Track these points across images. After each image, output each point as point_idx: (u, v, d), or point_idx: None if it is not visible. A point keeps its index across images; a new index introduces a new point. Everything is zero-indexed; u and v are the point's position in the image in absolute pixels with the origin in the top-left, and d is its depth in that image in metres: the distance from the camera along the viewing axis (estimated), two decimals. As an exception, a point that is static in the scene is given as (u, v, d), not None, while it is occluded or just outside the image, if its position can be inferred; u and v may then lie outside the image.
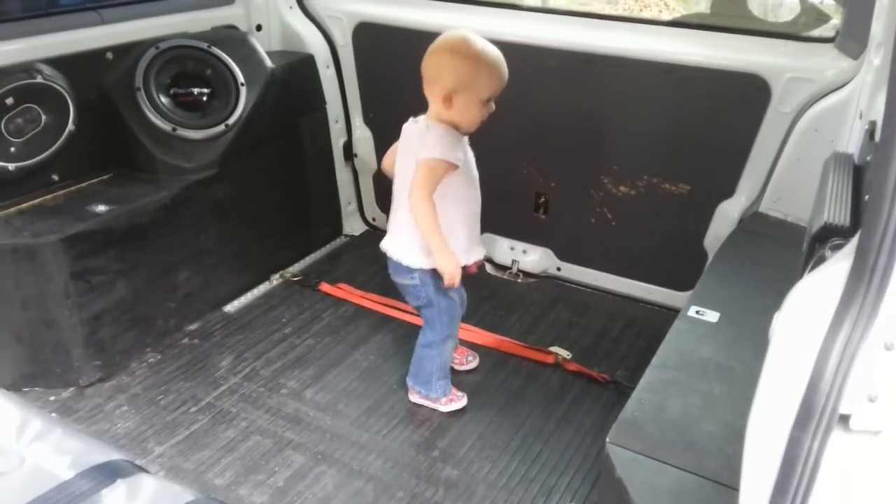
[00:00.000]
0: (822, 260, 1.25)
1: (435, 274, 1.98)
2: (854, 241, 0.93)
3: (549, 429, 2.14)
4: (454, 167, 1.90)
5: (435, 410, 2.19)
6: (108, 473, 1.16)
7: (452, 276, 1.92)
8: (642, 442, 1.37)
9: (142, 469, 1.21)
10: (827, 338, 0.85)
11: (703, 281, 1.95)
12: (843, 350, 0.84)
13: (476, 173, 2.04)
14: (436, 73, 1.88)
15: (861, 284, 0.83)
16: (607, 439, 1.37)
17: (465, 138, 2.00)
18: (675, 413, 1.44)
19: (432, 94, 1.90)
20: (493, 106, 1.93)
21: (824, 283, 0.91)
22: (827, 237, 1.37)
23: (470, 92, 1.86)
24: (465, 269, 2.02)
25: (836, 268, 0.91)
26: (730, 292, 1.87)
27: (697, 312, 1.76)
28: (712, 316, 1.75)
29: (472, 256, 2.05)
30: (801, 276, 1.35)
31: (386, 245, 2.04)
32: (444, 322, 2.11)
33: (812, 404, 0.82)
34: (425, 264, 1.98)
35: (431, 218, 1.89)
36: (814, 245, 1.41)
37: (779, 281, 1.66)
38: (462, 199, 1.99)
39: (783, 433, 0.86)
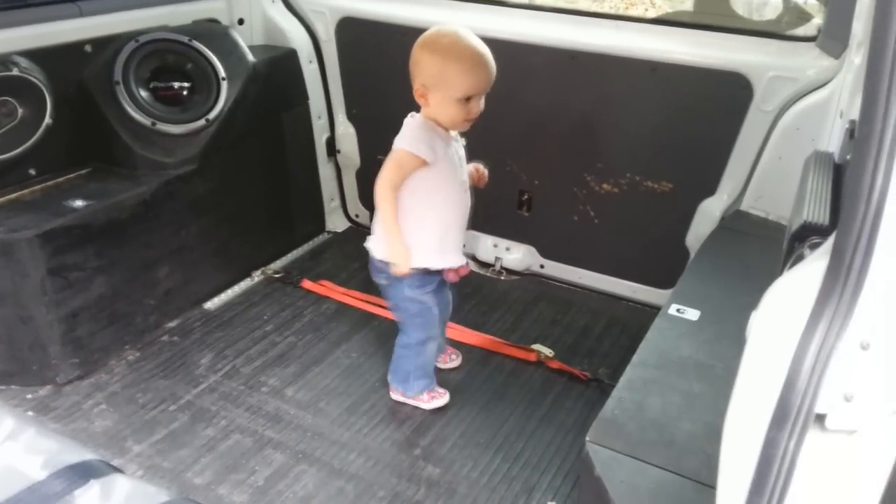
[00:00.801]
0: (800, 258, 1.25)
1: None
2: (830, 239, 0.93)
3: (531, 427, 2.14)
4: (422, 162, 1.85)
5: (417, 408, 2.18)
6: (81, 474, 1.14)
7: (397, 268, 1.90)
8: (622, 441, 1.37)
9: (116, 469, 1.20)
10: (803, 337, 0.85)
11: (684, 279, 1.95)
12: (818, 349, 0.84)
13: (462, 177, 1.97)
14: (411, 67, 1.85)
15: (837, 283, 0.83)
16: (587, 438, 1.37)
17: (455, 137, 1.95)
18: (655, 412, 1.44)
19: (414, 91, 1.88)
20: (479, 104, 1.86)
21: (801, 281, 0.91)
22: (806, 236, 1.37)
23: (441, 90, 1.81)
24: (442, 272, 2.01)
25: (813, 266, 0.91)
26: (710, 290, 1.87)
27: (678, 311, 1.76)
28: (693, 314, 1.75)
29: (445, 262, 1.98)
30: (779, 274, 1.35)
31: (369, 244, 2.03)
32: (416, 325, 2.08)
33: (788, 404, 0.82)
34: (386, 256, 1.95)
35: (389, 208, 1.87)
36: (793, 244, 1.41)
37: (759, 279, 1.66)
38: (436, 198, 1.93)
39: (759, 433, 0.86)
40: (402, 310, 2.07)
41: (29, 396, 2.17)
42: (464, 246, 2.09)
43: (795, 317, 0.87)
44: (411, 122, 1.90)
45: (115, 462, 1.93)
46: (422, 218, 1.92)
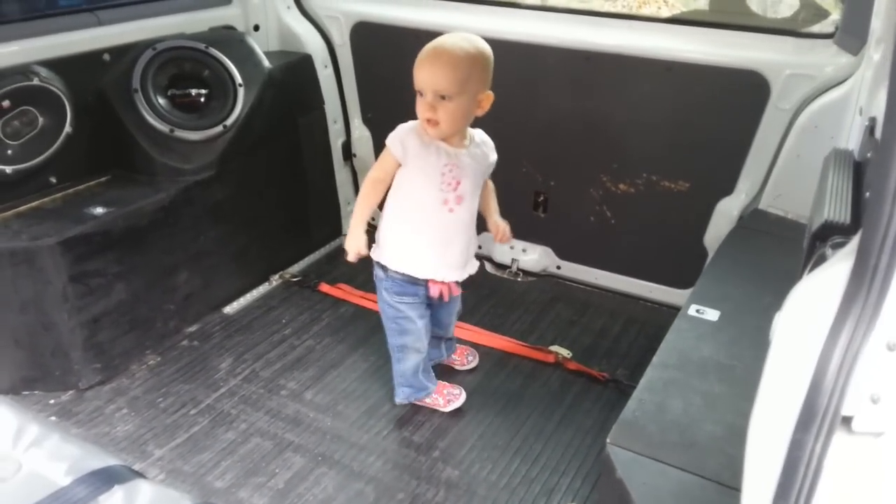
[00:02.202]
0: (822, 258, 1.24)
1: (383, 272, 1.99)
2: (855, 239, 0.92)
3: (550, 429, 2.14)
4: (396, 159, 1.88)
5: (435, 411, 2.19)
6: (105, 479, 1.16)
7: (349, 252, 1.93)
8: (643, 442, 1.36)
9: (139, 475, 1.21)
10: (829, 339, 0.84)
11: (703, 279, 1.94)
12: (844, 351, 0.83)
13: (445, 193, 1.89)
14: None
15: (863, 285, 0.82)
16: (608, 440, 1.37)
17: (462, 147, 1.91)
18: (676, 413, 1.44)
19: None
20: (426, 104, 1.81)
21: (825, 283, 0.91)
22: (827, 235, 1.36)
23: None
24: (426, 285, 1.99)
25: (837, 268, 0.91)
26: (729, 291, 1.86)
27: (697, 311, 1.75)
28: (712, 314, 1.74)
29: (415, 269, 1.96)
30: (801, 274, 1.34)
31: None
32: (391, 329, 2.08)
33: (814, 406, 0.82)
34: (373, 254, 1.98)
35: (361, 196, 1.94)
36: (814, 243, 1.40)
37: (779, 279, 1.65)
38: (406, 200, 1.93)
39: (785, 435, 0.86)
40: (381, 310, 2.09)
41: (52, 402, 2.20)
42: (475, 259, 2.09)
43: (821, 318, 0.86)
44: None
45: (137, 466, 1.96)
46: (393, 216, 1.96)
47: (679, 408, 1.45)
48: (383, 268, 2.00)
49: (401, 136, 1.88)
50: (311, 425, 2.12)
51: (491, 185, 2.10)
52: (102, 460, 1.20)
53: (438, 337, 2.27)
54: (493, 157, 2.01)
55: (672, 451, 1.34)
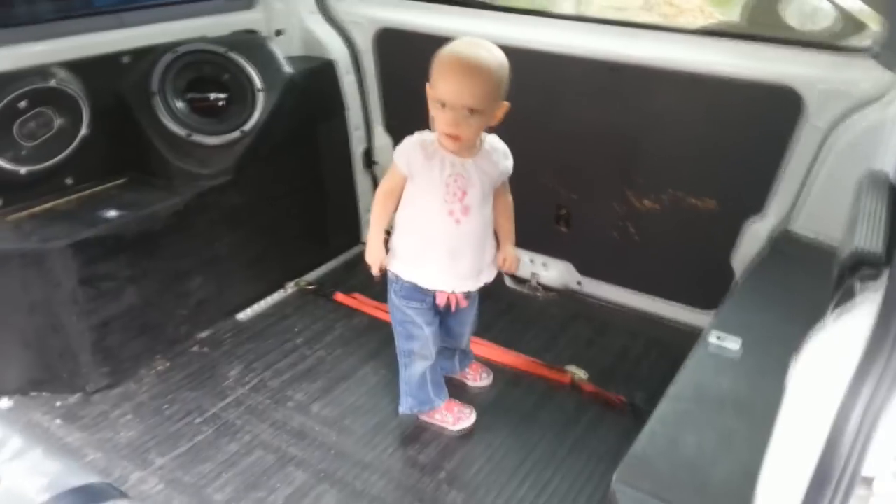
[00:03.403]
0: (850, 293, 1.16)
1: (394, 278, 1.97)
2: (884, 277, 0.84)
3: (562, 454, 2.06)
4: (403, 173, 1.86)
5: (444, 429, 2.12)
6: (84, 498, 1.11)
7: (371, 265, 1.94)
8: (652, 481, 1.28)
9: (121, 493, 1.17)
10: (849, 392, 0.77)
11: (726, 305, 1.85)
12: (866, 407, 0.75)
13: (451, 204, 1.84)
14: None
15: (889, 333, 0.74)
16: (614, 477, 1.29)
17: (472, 156, 1.85)
18: (689, 450, 1.35)
19: None
20: (451, 118, 1.72)
21: (848, 328, 0.83)
22: (857, 265, 1.27)
23: (431, 86, 1.76)
24: (434, 294, 1.96)
25: (862, 310, 0.83)
26: (754, 318, 1.77)
27: (718, 339, 1.66)
28: (734, 343, 1.65)
29: (423, 279, 1.93)
30: (829, 307, 1.25)
31: None
32: (399, 333, 2.05)
33: (830, 467, 0.74)
34: (386, 262, 1.96)
35: (374, 210, 1.94)
36: (843, 273, 1.31)
37: (807, 307, 1.56)
38: (413, 211, 1.90)
39: (798, 494, 0.78)
40: (390, 313, 2.05)
41: (58, 404, 2.18)
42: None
43: (841, 369, 0.79)
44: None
45: (138, 475, 1.94)
46: (402, 226, 1.94)
47: (693, 444, 1.37)
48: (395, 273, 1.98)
49: (406, 151, 1.85)
50: (316, 440, 2.08)
51: (508, 202, 2.02)
52: (83, 478, 1.16)
53: (451, 348, 2.22)
54: (507, 163, 1.93)
55: (682, 492, 1.26)
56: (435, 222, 1.88)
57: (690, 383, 1.54)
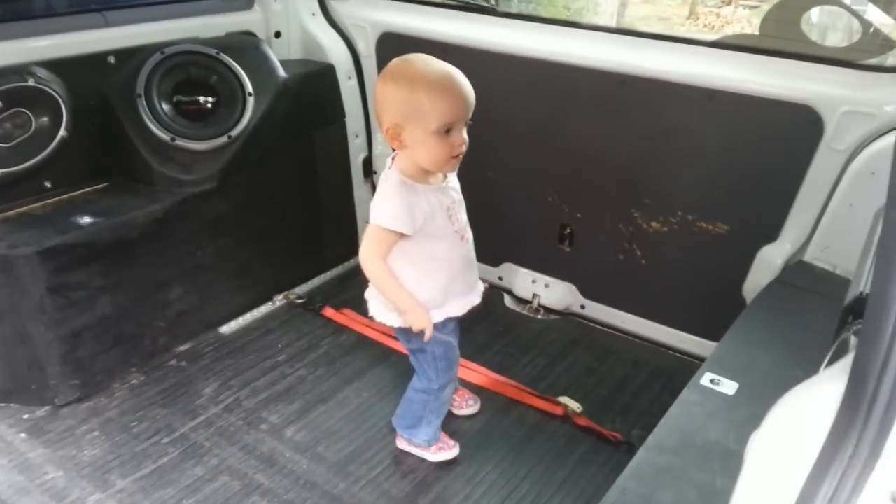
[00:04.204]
0: (844, 346, 1.00)
1: None
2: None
3: (548, 493, 1.91)
4: (403, 234, 1.65)
5: (423, 460, 1.99)
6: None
7: (427, 334, 1.73)
8: (617, 548, 1.14)
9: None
10: (808, 482, 0.62)
11: (726, 342, 1.69)
12: (830, 496, 0.61)
13: (455, 226, 1.74)
14: (378, 108, 1.63)
15: (857, 416, 0.60)
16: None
17: (448, 181, 1.74)
18: (664, 511, 1.21)
19: (384, 133, 1.63)
20: (461, 136, 1.61)
21: (816, 403, 0.68)
22: (859, 312, 1.12)
23: (414, 124, 1.56)
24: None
25: (832, 384, 0.68)
26: (755, 358, 1.61)
27: (712, 381, 1.51)
28: (729, 387, 1.50)
29: (452, 311, 1.80)
30: (825, 360, 1.10)
31: (368, 294, 1.85)
32: (439, 368, 1.88)
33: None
34: (403, 322, 1.77)
35: (386, 277, 1.69)
36: (846, 319, 1.16)
37: (814, 347, 1.39)
38: (430, 260, 1.72)
39: None
40: (429, 352, 1.86)
41: (25, 416, 2.10)
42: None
43: (804, 453, 0.64)
44: (387, 187, 1.66)
45: (96, 497, 1.84)
46: (418, 282, 1.73)
47: (669, 504, 1.22)
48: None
49: (402, 207, 1.63)
50: (286, 467, 1.96)
51: None
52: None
53: None
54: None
55: (651, 563, 1.12)
56: (451, 257, 1.75)
57: (675, 431, 1.39)
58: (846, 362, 0.72)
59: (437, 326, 1.78)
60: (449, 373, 1.92)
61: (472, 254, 1.84)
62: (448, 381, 1.93)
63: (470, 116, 1.62)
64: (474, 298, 1.85)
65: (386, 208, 1.64)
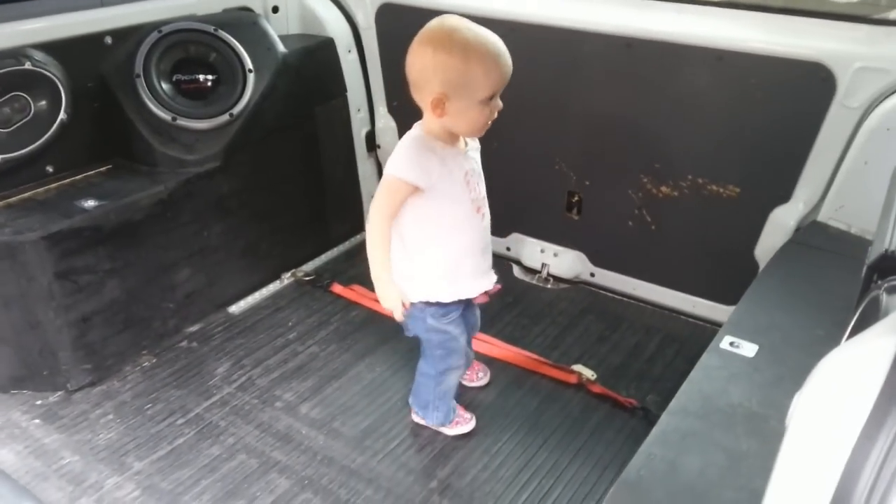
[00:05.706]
0: (875, 304, 0.98)
1: (421, 305, 1.75)
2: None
3: (565, 461, 1.91)
4: (416, 188, 1.61)
5: (439, 433, 1.99)
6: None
7: (390, 310, 1.71)
8: (645, 513, 1.13)
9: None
10: (860, 439, 0.61)
11: (743, 304, 1.68)
12: (883, 458, 0.60)
13: (473, 194, 1.69)
14: (419, 75, 1.56)
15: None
16: (602, 507, 1.14)
17: (472, 147, 1.71)
18: (691, 475, 1.20)
19: (421, 100, 1.59)
20: (499, 103, 1.59)
21: (865, 356, 0.66)
22: (886, 269, 1.10)
23: (464, 94, 1.53)
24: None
25: (886, 333, 0.66)
26: (773, 319, 1.59)
27: (731, 344, 1.50)
28: (749, 349, 1.48)
29: (459, 292, 1.76)
30: (851, 320, 1.08)
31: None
32: (436, 356, 1.86)
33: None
34: (408, 296, 1.75)
35: (377, 240, 1.68)
36: (871, 277, 1.13)
37: (833, 308, 1.38)
38: (441, 225, 1.68)
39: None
40: (425, 340, 1.86)
41: (38, 402, 2.09)
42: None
43: (854, 410, 0.63)
44: (405, 141, 1.64)
45: (113, 480, 1.84)
46: (423, 247, 1.70)
47: (695, 468, 1.21)
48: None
49: (417, 162, 1.60)
50: (302, 443, 1.95)
51: None
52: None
53: None
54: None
55: (680, 526, 1.11)
56: (465, 228, 1.70)
57: (697, 396, 1.37)
58: (893, 319, 0.70)
59: (436, 314, 1.76)
60: (447, 362, 1.87)
61: (488, 236, 1.79)
62: (447, 370, 1.89)
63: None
64: (486, 283, 1.81)
65: (401, 159, 1.61)
